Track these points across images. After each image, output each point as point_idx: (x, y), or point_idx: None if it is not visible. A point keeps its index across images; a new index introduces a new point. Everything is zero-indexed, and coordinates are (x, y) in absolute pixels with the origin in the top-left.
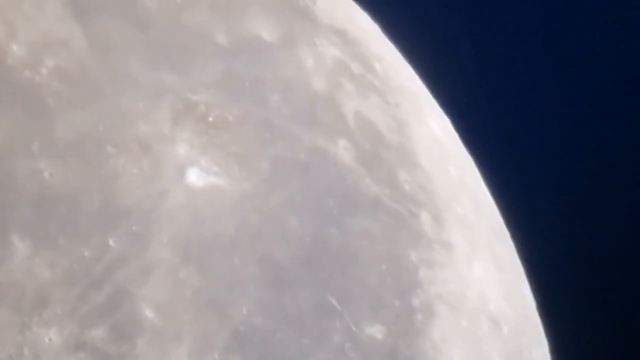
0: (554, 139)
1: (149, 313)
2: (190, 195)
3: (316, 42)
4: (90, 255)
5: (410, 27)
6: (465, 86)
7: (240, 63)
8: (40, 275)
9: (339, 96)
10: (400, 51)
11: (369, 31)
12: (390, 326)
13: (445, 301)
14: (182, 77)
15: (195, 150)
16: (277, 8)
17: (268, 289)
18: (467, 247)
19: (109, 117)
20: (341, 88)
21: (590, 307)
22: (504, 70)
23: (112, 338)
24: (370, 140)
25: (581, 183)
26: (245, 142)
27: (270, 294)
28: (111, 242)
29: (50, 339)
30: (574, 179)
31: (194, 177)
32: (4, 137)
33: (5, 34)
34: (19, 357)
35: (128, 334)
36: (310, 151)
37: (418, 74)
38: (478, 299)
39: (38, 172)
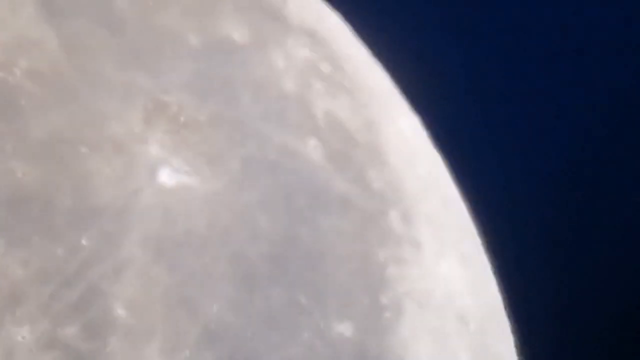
0: (523, 136)
1: (120, 311)
2: (161, 195)
3: (287, 43)
4: (62, 254)
5: (379, 27)
6: (434, 86)
7: (212, 64)
8: (13, 274)
9: (309, 96)
10: (369, 51)
11: (338, 31)
12: (359, 323)
13: (413, 298)
14: (154, 77)
15: (166, 150)
16: (248, 9)
17: (238, 287)
18: (435, 245)
19: (81, 118)
20: (311, 88)
21: (557, 303)
22: (474, 69)
23: (84, 336)
24: (339, 140)
25: (551, 180)
26: (216, 141)
27: (240, 292)
28: (84, 241)
29: (23, 337)
30: (544, 176)
31: (166, 176)
32: None
33: None
34: None
35: (100, 332)
36: (280, 150)
37: (387, 74)
38: (445, 296)
39: (11, 172)
